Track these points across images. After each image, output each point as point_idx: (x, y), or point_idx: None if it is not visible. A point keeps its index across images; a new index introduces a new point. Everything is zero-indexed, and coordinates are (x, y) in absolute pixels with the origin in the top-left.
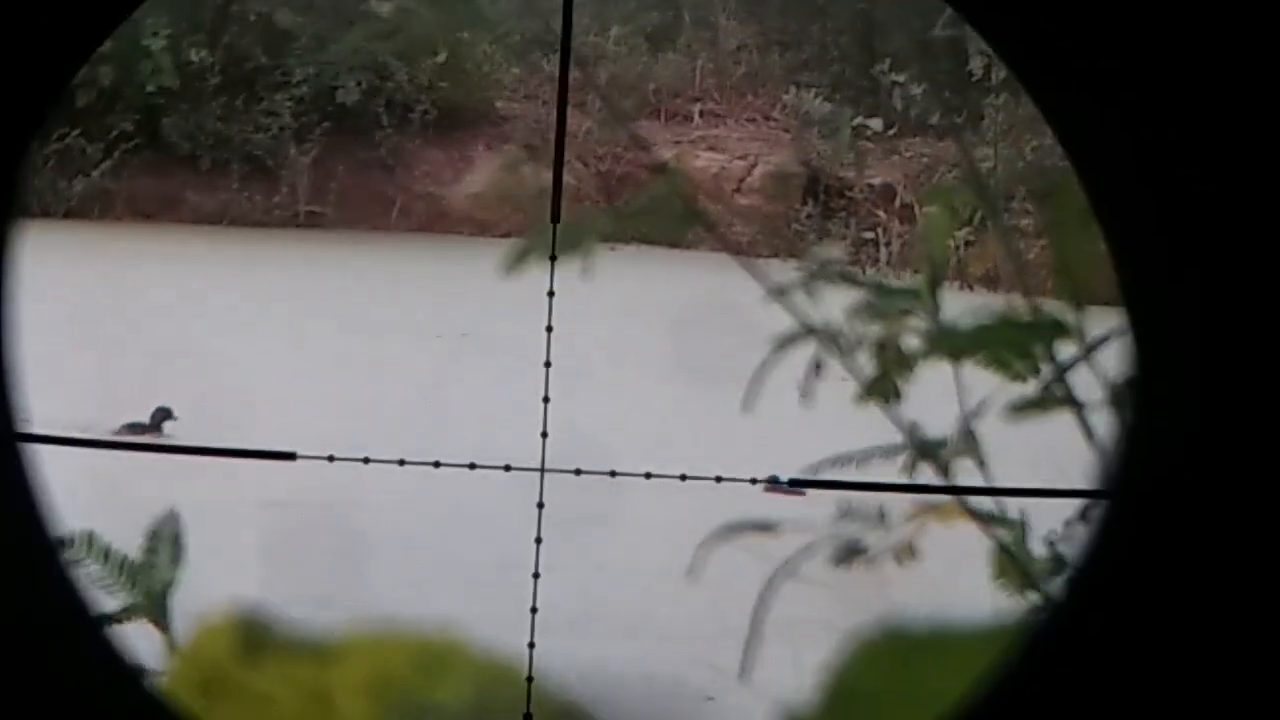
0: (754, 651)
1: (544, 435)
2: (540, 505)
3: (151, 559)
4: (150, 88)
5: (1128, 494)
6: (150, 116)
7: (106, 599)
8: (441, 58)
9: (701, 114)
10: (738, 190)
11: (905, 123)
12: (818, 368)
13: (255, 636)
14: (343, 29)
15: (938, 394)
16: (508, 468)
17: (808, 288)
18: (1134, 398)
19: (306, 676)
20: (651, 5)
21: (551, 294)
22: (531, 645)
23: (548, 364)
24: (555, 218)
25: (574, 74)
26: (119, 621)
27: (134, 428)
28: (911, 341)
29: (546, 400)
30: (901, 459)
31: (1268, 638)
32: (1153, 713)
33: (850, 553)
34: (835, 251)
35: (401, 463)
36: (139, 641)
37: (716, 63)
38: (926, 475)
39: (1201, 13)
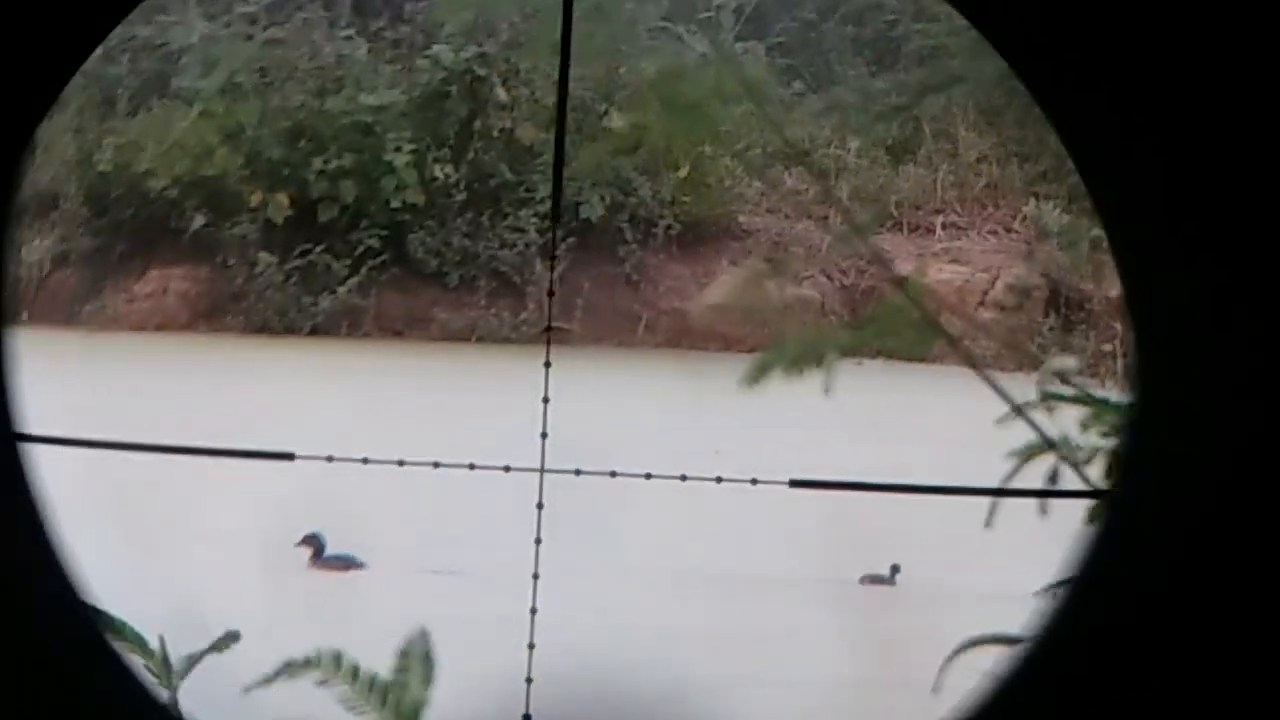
0: None
1: (543, 436)
2: (540, 506)
3: (403, 678)
4: (395, 204)
5: (1129, 495)
6: (396, 233)
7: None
8: (683, 172)
9: (944, 226)
10: (981, 303)
11: None
12: (1054, 480)
13: None
14: (584, 144)
15: None
16: (507, 468)
17: (1044, 404)
18: (1135, 399)
19: None
20: (890, 117)
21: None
22: (531, 646)
23: (547, 363)
24: (555, 218)
25: (813, 187)
26: None
27: (873, 579)
28: None
29: (546, 400)
30: None
31: (1268, 638)
32: (1154, 711)
33: None
34: (1069, 363)
35: (401, 463)
36: None
37: (957, 174)
38: None
39: (1202, 13)
